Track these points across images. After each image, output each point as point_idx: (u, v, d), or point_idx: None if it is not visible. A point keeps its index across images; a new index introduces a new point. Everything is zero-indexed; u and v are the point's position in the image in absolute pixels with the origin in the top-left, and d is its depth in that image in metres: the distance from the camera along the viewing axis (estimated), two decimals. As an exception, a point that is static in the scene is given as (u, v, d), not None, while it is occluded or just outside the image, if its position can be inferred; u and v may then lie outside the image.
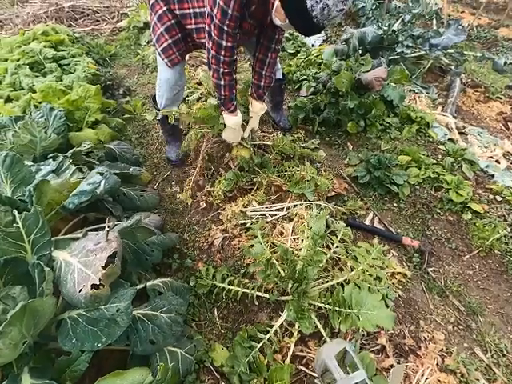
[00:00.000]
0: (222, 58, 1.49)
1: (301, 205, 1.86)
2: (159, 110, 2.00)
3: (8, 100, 2.28)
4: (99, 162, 1.97)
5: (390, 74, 2.37)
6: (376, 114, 2.30)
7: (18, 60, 2.49)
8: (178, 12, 1.59)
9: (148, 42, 3.76)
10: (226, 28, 1.39)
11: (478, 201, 1.95)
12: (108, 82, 2.88)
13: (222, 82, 1.60)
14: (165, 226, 1.89)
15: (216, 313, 1.51)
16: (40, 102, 2.10)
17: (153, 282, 1.35)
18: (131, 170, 1.99)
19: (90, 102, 2.15)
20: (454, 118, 2.62)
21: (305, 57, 3.30)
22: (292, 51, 3.48)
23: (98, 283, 0.96)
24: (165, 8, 1.60)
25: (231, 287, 1.50)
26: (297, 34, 3.88)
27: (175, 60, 1.74)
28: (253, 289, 1.45)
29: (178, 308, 1.25)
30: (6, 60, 2.56)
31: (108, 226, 1.28)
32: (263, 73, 1.79)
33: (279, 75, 2.31)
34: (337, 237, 1.66)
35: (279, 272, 1.42)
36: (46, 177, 1.51)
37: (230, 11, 1.33)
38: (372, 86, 2.30)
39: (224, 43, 1.44)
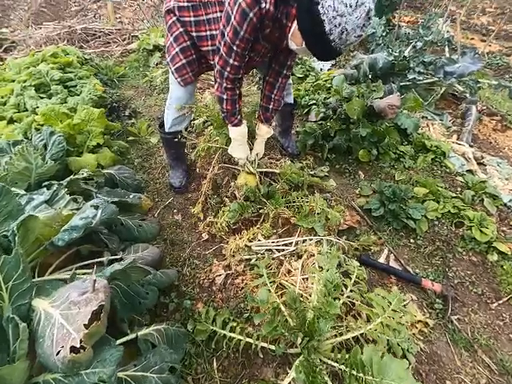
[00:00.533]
0: (226, 73, 1.48)
1: (310, 240, 1.73)
2: (164, 133, 1.97)
3: (11, 121, 2.23)
4: (99, 188, 1.88)
5: (404, 101, 2.28)
6: (389, 143, 2.19)
7: (24, 81, 2.46)
8: (194, 34, 1.58)
9: (157, 64, 3.78)
10: (235, 48, 1.37)
11: (503, 239, 1.79)
12: (114, 104, 2.85)
13: (225, 97, 1.58)
14: (164, 259, 1.76)
15: (215, 364, 1.34)
16: (42, 125, 2.04)
17: (145, 330, 1.21)
18: (131, 197, 1.88)
19: (93, 125, 2.09)
20: (471, 147, 2.50)
21: (313, 81, 3.26)
22: (301, 75, 3.44)
23: (78, 345, 0.82)
24: (181, 29, 1.59)
25: (233, 335, 1.35)
26: (305, 58, 3.87)
27: (188, 79, 1.72)
28: (257, 339, 1.30)
29: (172, 364, 1.10)
30: (14, 81, 2.54)
31: (103, 263, 1.16)
32: (272, 96, 1.76)
33: (290, 100, 2.25)
34: (350, 279, 1.51)
35: (287, 321, 1.27)
36: (38, 207, 1.41)
37: (242, 32, 1.30)
38: (385, 114, 2.21)
39: (231, 61, 1.43)
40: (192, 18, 1.54)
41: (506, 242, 1.76)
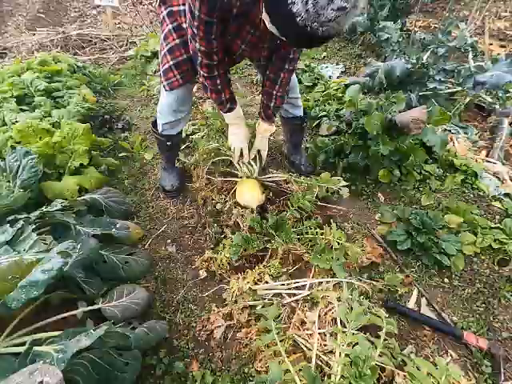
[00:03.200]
0: (199, 59, 1.36)
1: (327, 283, 1.45)
2: (157, 133, 1.84)
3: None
4: (81, 216, 1.62)
5: (429, 115, 2.01)
6: (414, 162, 1.92)
7: (5, 92, 2.23)
8: (185, 25, 1.40)
9: (155, 72, 3.54)
10: (195, 30, 1.23)
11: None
12: (106, 116, 2.60)
13: (207, 85, 1.47)
14: (154, 303, 1.49)
15: None
16: (19, 143, 1.79)
17: (121, 420, 0.93)
18: (117, 226, 1.63)
19: (77, 142, 1.84)
20: (503, 165, 2.22)
21: (323, 90, 3.01)
22: (309, 83, 3.19)
23: None
24: (170, 26, 1.45)
25: (234, 414, 1.07)
26: (313, 64, 3.63)
27: (175, 83, 1.57)
28: (265, 423, 1.02)
29: None
30: (-5, 92, 2.30)
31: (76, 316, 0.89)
32: (274, 93, 1.59)
33: (300, 112, 2.00)
34: (379, 337, 1.22)
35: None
36: (-3, 250, 1.15)
37: (197, 13, 1.15)
38: (409, 130, 1.93)
39: (197, 46, 1.30)
40: (181, 7, 1.37)
41: (562, 286, 1.47)
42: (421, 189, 1.98)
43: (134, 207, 1.97)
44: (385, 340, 1.26)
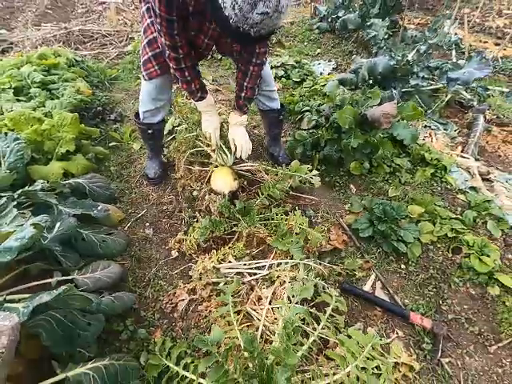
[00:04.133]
0: (167, 52, 1.45)
1: (286, 264, 1.55)
2: (138, 122, 1.95)
3: (-14, 125, 2.15)
4: (65, 198, 1.76)
5: (402, 110, 2.09)
6: (383, 155, 2.00)
7: (4, 83, 2.38)
8: None
9: (151, 67, 3.68)
10: (159, 26, 1.33)
11: (507, 270, 1.58)
12: (99, 108, 2.75)
13: (177, 76, 1.56)
14: (127, 279, 1.62)
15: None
16: (13, 130, 1.94)
17: (79, 369, 1.06)
18: (99, 208, 1.75)
19: (65, 130, 1.98)
20: (477, 160, 2.27)
21: (310, 86, 3.09)
22: (297, 79, 3.27)
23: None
24: (149, 21, 1.56)
25: (186, 373, 1.19)
26: (305, 60, 3.70)
27: (153, 73, 1.68)
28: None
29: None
30: (-5, 83, 2.47)
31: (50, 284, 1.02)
32: (245, 84, 1.69)
33: (276, 105, 2.10)
34: (324, 312, 1.33)
35: (244, 367, 1.10)
36: (-19, 222, 1.29)
37: (157, 10, 1.25)
38: (379, 124, 2.01)
39: (163, 40, 1.39)
40: None
41: (510, 274, 1.54)
42: (390, 181, 2.06)
43: (118, 193, 2.11)
44: (333, 317, 1.36)
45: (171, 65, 1.51)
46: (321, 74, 3.61)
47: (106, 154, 2.36)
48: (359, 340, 1.13)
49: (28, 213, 1.37)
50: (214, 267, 1.55)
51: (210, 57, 3.63)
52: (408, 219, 1.78)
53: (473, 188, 1.99)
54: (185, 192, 1.98)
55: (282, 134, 2.69)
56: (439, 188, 2.03)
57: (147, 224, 1.92)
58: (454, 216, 1.77)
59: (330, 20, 4.03)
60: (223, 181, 1.81)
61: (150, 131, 2.00)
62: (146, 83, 1.78)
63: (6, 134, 1.82)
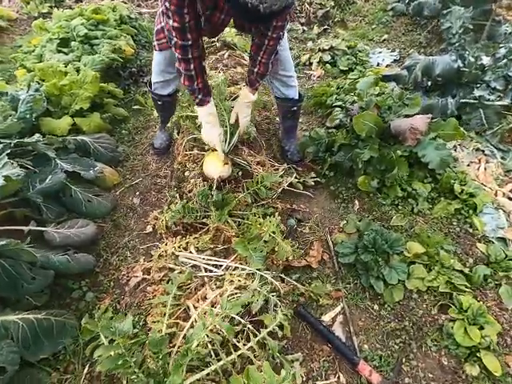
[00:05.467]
0: (174, 40, 1.34)
1: (243, 270, 1.47)
2: (150, 91, 1.95)
3: (29, 71, 2.35)
4: (68, 154, 1.88)
5: (439, 126, 1.73)
6: (398, 175, 1.71)
7: (53, 34, 2.55)
8: None
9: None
10: (168, 4, 1.23)
11: (501, 352, 1.27)
12: (133, 69, 2.81)
13: (181, 69, 1.45)
14: (99, 242, 1.70)
15: (85, 372, 1.26)
16: (43, 81, 2.09)
17: (8, 317, 1.17)
18: (95, 169, 1.84)
19: (85, 88, 2.06)
20: (527, 205, 1.82)
21: (355, 78, 2.74)
22: (344, 68, 2.92)
23: None
24: None
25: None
26: (364, 46, 3.27)
27: (164, 45, 1.62)
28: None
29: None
30: (49, 32, 2.66)
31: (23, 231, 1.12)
32: (258, 58, 1.55)
33: (292, 94, 1.91)
34: (255, 335, 1.23)
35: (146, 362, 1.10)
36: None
37: None
38: (404, 139, 1.71)
39: (171, 22, 1.28)
40: None
41: (502, 356, 1.24)
42: (399, 207, 1.77)
43: (124, 157, 2.18)
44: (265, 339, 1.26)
45: (177, 55, 1.40)
46: (378, 64, 3.17)
47: (125, 116, 2.44)
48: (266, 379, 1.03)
49: (14, 162, 1.48)
50: (173, 253, 1.54)
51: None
52: (401, 257, 1.53)
53: (502, 239, 1.61)
54: (179, 170, 1.97)
55: (304, 128, 2.48)
56: (458, 229, 1.69)
57: (137, 193, 1.98)
58: (461, 268, 1.47)
59: (407, 1, 3.44)
60: (213, 165, 1.74)
61: (159, 102, 1.99)
62: (156, 54, 1.73)
63: (29, 84, 1.96)
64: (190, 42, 1.36)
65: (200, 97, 1.54)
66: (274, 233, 1.53)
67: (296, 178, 1.96)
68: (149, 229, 1.76)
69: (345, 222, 1.80)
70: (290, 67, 1.83)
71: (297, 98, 1.94)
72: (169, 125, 2.19)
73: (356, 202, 1.90)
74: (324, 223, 1.83)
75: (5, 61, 3.01)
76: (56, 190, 1.66)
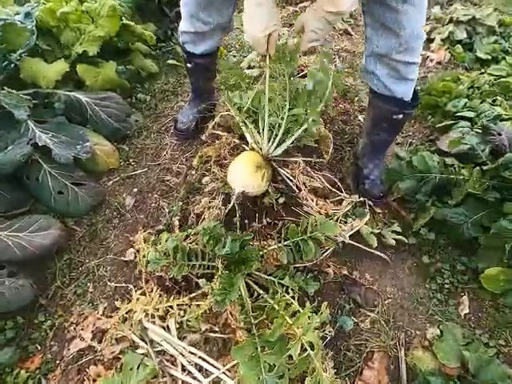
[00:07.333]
0: None
1: (241, 395, 0.83)
2: (179, 44, 1.37)
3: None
4: (53, 115, 1.35)
5: None
6: None
7: None
8: None
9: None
10: None
11: None
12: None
13: None
14: (60, 256, 1.18)
15: None
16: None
17: None
18: (84, 145, 1.29)
19: (100, 23, 1.44)
20: None
21: (502, 75, 1.73)
22: (485, 56, 1.89)
23: None
24: None
25: None
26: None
27: None
28: None
29: None
30: None
31: None
32: None
33: (405, 93, 1.14)
34: None
35: None
36: None
37: None
38: None
39: None
40: None
41: None
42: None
43: (135, 130, 1.59)
44: None
45: None
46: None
47: (153, 72, 1.82)
48: None
49: None
50: (139, 321, 0.95)
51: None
52: None
53: None
54: (195, 171, 1.33)
55: (398, 142, 1.61)
56: None
57: (135, 190, 1.39)
58: None
59: None
60: (240, 169, 1.08)
61: (189, 64, 1.35)
62: None
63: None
64: None
65: None
66: (311, 345, 0.84)
67: (369, 224, 1.21)
68: (130, 255, 1.18)
69: (437, 332, 1.03)
70: (417, 45, 1.01)
71: (409, 99, 1.13)
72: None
73: (465, 300, 1.10)
74: (399, 320, 1.09)
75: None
76: (13, 168, 1.14)
